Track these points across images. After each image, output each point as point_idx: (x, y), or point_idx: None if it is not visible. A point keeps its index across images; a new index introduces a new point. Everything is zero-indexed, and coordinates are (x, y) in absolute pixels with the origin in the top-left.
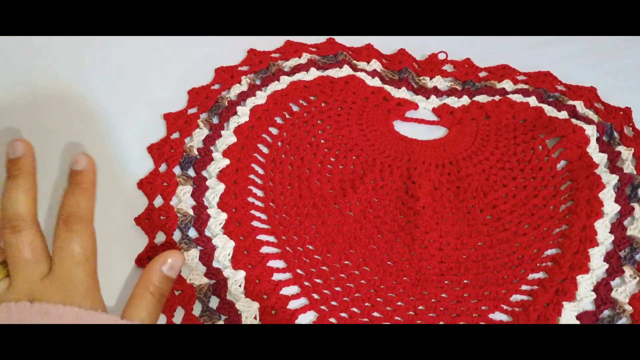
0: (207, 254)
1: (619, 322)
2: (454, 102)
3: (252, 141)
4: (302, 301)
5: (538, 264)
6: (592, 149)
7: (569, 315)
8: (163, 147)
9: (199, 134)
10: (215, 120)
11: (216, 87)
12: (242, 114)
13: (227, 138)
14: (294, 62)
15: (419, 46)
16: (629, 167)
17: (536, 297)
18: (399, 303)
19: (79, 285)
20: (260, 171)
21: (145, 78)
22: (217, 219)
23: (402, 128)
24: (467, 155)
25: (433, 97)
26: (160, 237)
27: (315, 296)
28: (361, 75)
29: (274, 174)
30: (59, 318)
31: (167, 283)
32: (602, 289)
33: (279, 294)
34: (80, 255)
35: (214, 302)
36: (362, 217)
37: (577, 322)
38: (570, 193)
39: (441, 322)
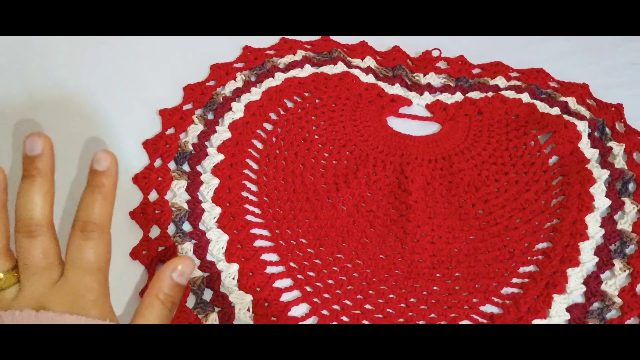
0: (201, 247)
1: (609, 315)
2: (447, 98)
3: (247, 137)
4: (295, 294)
5: (529, 258)
6: (584, 144)
7: (558, 307)
8: (158, 143)
9: (194, 130)
10: (210, 116)
11: (211, 83)
12: (237, 110)
13: (222, 134)
14: (288, 59)
15: (414, 44)
16: (620, 163)
17: (527, 289)
18: (391, 295)
19: (89, 294)
20: (255, 166)
21: (141, 75)
22: (212, 213)
23: (396, 124)
24: (459, 150)
25: (426, 93)
26: (155, 231)
27: (308, 289)
28: (355, 71)
29: (268, 169)
30: None
31: (178, 291)
32: (592, 282)
33: (272, 286)
34: (93, 265)
35: (207, 295)
36: (355, 212)
37: (567, 315)
38: (561, 188)
39: (432, 315)
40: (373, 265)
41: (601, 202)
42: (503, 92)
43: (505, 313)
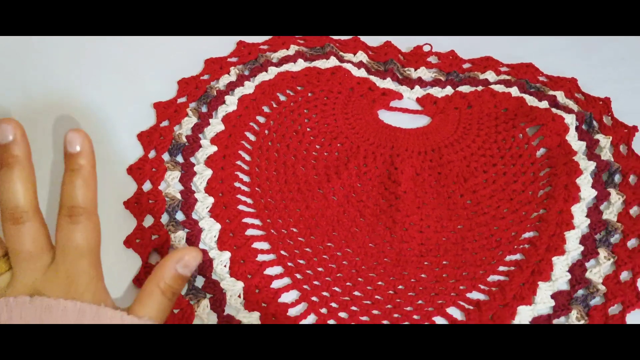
0: (194, 236)
1: (592, 301)
2: (437, 92)
3: (240, 129)
4: (285, 281)
5: (515, 246)
6: (571, 137)
7: (543, 294)
8: (152, 135)
9: (188, 122)
10: (204, 109)
11: (205, 77)
12: (230, 103)
13: (215, 126)
14: (281, 53)
15: (405, 40)
16: (606, 155)
17: (512, 277)
18: (380, 283)
19: (82, 278)
20: (247, 158)
21: (136, 70)
22: (204, 202)
23: (387, 117)
24: (449, 142)
25: (417, 87)
26: (149, 221)
27: (298, 276)
28: (347, 66)
29: (261, 161)
30: (60, 312)
31: (180, 282)
32: (577, 270)
33: (262, 273)
34: (84, 248)
35: (199, 282)
36: (345, 202)
37: (552, 301)
38: (548, 179)
39: (420, 301)
40: (362, 254)
41: (587, 193)
42: (493, 86)
43: (492, 300)
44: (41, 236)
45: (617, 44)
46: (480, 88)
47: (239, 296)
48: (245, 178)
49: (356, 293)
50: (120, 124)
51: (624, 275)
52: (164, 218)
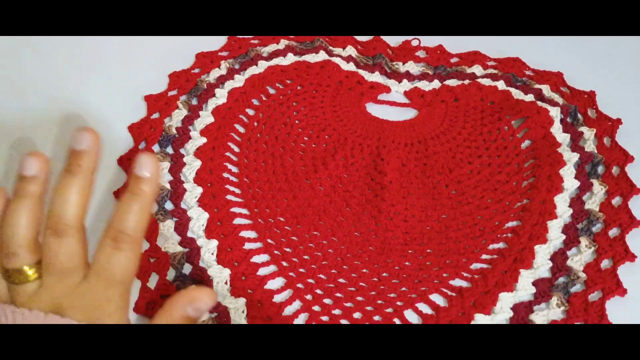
0: (182, 224)
1: (573, 289)
2: (425, 85)
3: (229, 121)
4: (272, 268)
5: (498, 235)
6: (556, 129)
7: (525, 281)
8: (143, 127)
9: (178, 115)
10: (194, 102)
11: (196, 71)
12: (220, 96)
13: (205, 118)
14: (272, 47)
15: (395, 37)
16: (590, 146)
17: (495, 265)
18: (364, 270)
19: (109, 306)
20: (236, 149)
21: (128, 65)
22: (193, 192)
23: (374, 110)
24: (435, 134)
25: (405, 81)
26: None
27: (284, 263)
28: (336, 60)
29: (249, 152)
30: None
31: (188, 322)
32: (559, 258)
33: (249, 261)
34: (118, 276)
35: (187, 269)
36: (331, 192)
37: (533, 288)
38: (532, 170)
39: (403, 288)
40: (348, 242)
41: (570, 184)
42: (479, 80)
43: (474, 287)
44: (78, 253)
45: (603, 40)
46: (467, 82)
47: (226, 283)
48: (234, 169)
49: (341, 280)
50: (112, 116)
51: (605, 264)
52: (153, 207)
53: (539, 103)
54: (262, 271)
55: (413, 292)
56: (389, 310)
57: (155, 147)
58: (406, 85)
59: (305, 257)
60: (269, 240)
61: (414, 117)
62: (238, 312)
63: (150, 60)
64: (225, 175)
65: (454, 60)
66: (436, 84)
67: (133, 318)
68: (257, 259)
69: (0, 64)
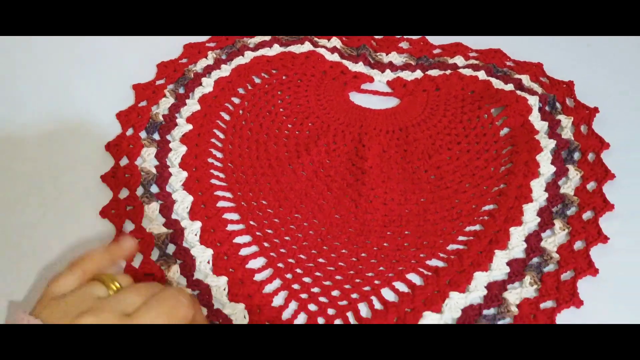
0: (167, 207)
1: (546, 269)
2: (407, 75)
3: (215, 109)
4: (253, 248)
5: (475, 218)
6: (534, 117)
7: (499, 261)
8: (130, 114)
9: (165, 103)
10: (181, 91)
11: (184, 61)
12: (207, 85)
13: (192, 106)
14: (258, 39)
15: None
16: (567, 134)
17: (471, 246)
18: (343, 250)
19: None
20: (221, 136)
21: (116, 53)
22: (178, 177)
23: (358, 99)
24: (416, 122)
25: (388, 71)
26: (125, 194)
27: (266, 244)
28: (321, 51)
29: (234, 138)
30: None
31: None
32: (533, 239)
33: (231, 242)
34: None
35: (170, 249)
36: (313, 177)
37: (507, 268)
38: (510, 156)
39: (381, 267)
40: (328, 224)
41: (546, 169)
42: (461, 70)
43: (450, 266)
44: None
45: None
46: (448, 72)
47: (208, 262)
48: (219, 154)
49: (320, 260)
50: (101, 105)
51: (578, 245)
52: (139, 191)
53: (518, 92)
54: (243, 251)
55: (390, 271)
56: (367, 288)
57: (143, 134)
58: (389, 75)
59: (287, 238)
60: (251, 222)
61: (396, 105)
62: (219, 290)
63: (139, 52)
64: (210, 160)
65: (436, 51)
66: (418, 74)
67: None
68: (240, 239)
69: None
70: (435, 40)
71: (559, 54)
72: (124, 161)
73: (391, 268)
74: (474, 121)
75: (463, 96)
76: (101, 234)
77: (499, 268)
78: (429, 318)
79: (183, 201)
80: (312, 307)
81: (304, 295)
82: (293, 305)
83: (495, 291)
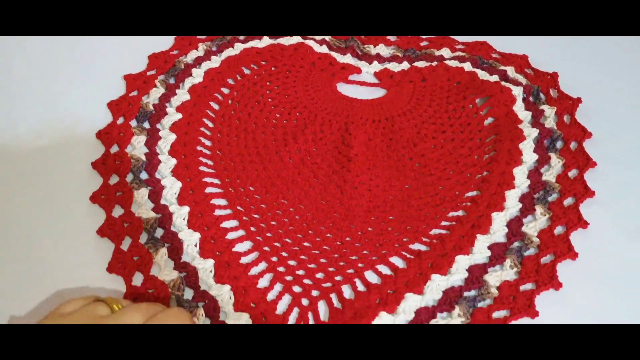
0: (156, 192)
1: (526, 252)
2: (394, 67)
3: (205, 99)
4: (240, 232)
5: (458, 204)
6: (518, 107)
7: (481, 245)
8: (121, 103)
9: (156, 93)
10: (171, 81)
11: (175, 52)
12: (197, 75)
13: (181, 96)
14: None
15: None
16: (550, 123)
17: (453, 230)
18: (328, 235)
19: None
20: (210, 124)
21: (109, 46)
22: (167, 164)
23: (345, 89)
24: (402, 112)
25: (375, 62)
26: (115, 180)
27: (252, 228)
28: (310, 43)
29: (223, 127)
30: None
31: None
32: (514, 224)
33: (219, 226)
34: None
35: (158, 233)
36: (300, 164)
37: (488, 252)
38: (494, 144)
39: (365, 251)
40: (314, 210)
41: (529, 157)
42: (447, 62)
43: (432, 250)
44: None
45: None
46: (435, 63)
47: (195, 245)
48: (208, 142)
49: (306, 244)
50: (93, 95)
51: (558, 230)
52: (129, 177)
53: (503, 83)
54: (230, 235)
55: (374, 255)
56: (350, 271)
57: (133, 122)
58: (376, 66)
59: (273, 222)
60: (239, 208)
61: (383, 96)
62: (206, 272)
63: (131, 45)
64: (199, 148)
65: (423, 43)
66: (405, 65)
67: (106, 277)
68: (227, 224)
69: None
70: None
71: (544, 47)
72: (115, 149)
73: (375, 252)
74: (458, 111)
75: (449, 87)
76: (91, 219)
77: (480, 252)
78: (410, 299)
79: (172, 187)
80: (297, 288)
81: (288, 278)
82: (278, 287)
83: (476, 274)
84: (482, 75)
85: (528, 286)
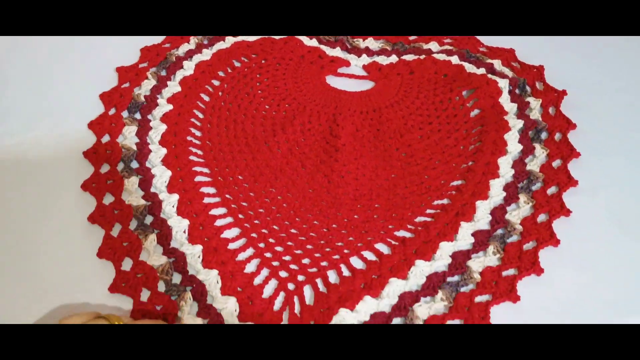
0: (146, 181)
1: (509, 239)
2: (383, 60)
3: (195, 91)
4: (228, 220)
5: (443, 193)
6: (504, 99)
7: (465, 232)
8: (113, 95)
9: (147, 84)
10: (163, 73)
11: (167, 46)
12: (188, 68)
13: (173, 88)
14: None
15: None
16: (535, 115)
17: (438, 218)
18: (315, 222)
19: None
20: (201, 115)
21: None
22: (158, 153)
23: (334, 82)
24: (389, 104)
25: (364, 55)
26: (106, 169)
27: (240, 216)
28: (300, 36)
29: (213, 118)
30: None
31: None
32: (498, 212)
33: (207, 213)
34: None
35: (148, 220)
36: (289, 154)
37: (472, 239)
38: (479, 135)
39: (350, 238)
40: (301, 198)
41: (514, 147)
42: (435, 55)
43: (416, 237)
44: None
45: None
46: (423, 56)
47: (184, 232)
48: (198, 133)
49: (292, 230)
50: (85, 86)
51: (541, 217)
52: (120, 166)
53: (490, 76)
54: (219, 222)
55: (359, 241)
56: (336, 257)
57: (125, 113)
58: (365, 59)
59: (261, 210)
60: (227, 196)
61: (371, 88)
62: (194, 257)
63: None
64: (189, 138)
65: (412, 37)
66: (394, 58)
67: (97, 262)
68: (215, 211)
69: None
70: None
71: (531, 43)
72: (106, 139)
73: (360, 238)
74: (445, 103)
75: (436, 79)
76: (82, 207)
77: (464, 238)
78: (394, 284)
79: (162, 175)
80: (283, 273)
81: (275, 263)
82: (265, 272)
83: (460, 260)
84: (469, 68)
85: (510, 272)
